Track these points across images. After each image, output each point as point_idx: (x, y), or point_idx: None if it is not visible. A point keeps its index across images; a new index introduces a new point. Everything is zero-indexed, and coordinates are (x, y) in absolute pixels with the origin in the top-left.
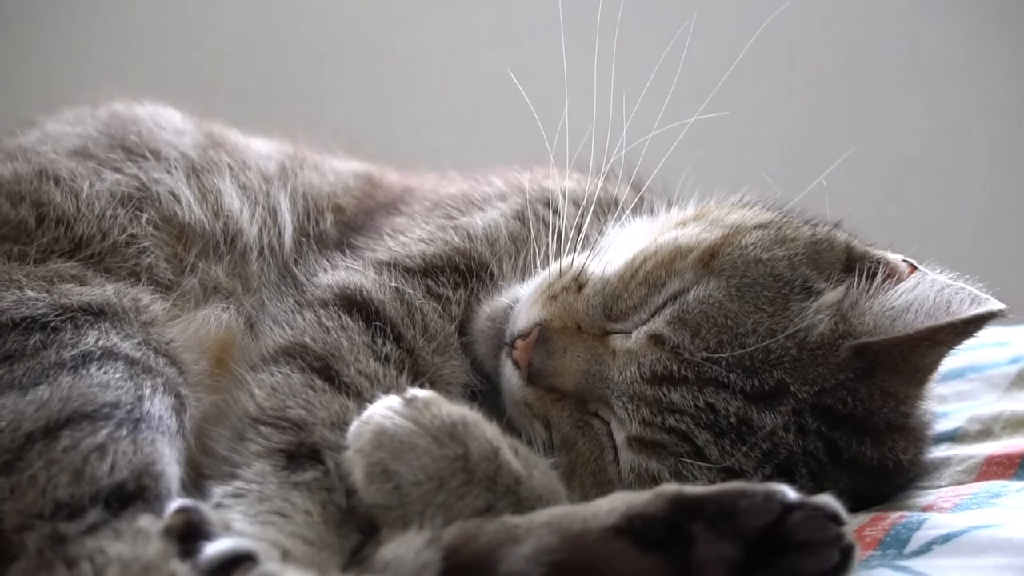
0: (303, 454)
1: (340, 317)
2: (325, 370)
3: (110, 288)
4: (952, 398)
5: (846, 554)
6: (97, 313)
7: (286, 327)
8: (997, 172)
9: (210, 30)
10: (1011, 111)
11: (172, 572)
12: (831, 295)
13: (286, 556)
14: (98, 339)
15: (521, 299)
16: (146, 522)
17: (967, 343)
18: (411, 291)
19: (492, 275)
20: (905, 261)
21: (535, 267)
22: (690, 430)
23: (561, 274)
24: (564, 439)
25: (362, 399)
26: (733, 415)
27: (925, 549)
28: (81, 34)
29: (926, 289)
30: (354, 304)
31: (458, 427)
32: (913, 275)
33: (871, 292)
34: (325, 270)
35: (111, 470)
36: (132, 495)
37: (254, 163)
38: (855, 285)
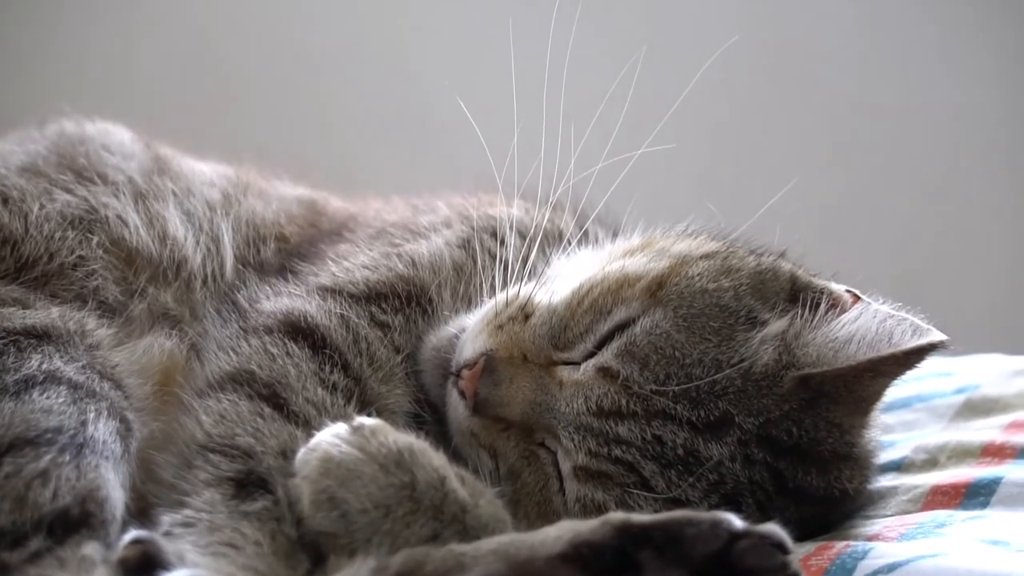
0: (252, 482)
1: (286, 344)
2: (273, 398)
3: (55, 311)
4: (898, 428)
5: None
6: (40, 336)
7: (231, 353)
8: (944, 203)
9: (160, 49)
10: (950, 142)
11: None
12: (775, 326)
13: None
14: (41, 363)
15: (467, 329)
16: (91, 549)
17: (912, 373)
18: (355, 318)
19: (436, 303)
20: (848, 291)
21: (481, 296)
22: (636, 461)
23: (508, 304)
24: (510, 469)
25: (310, 427)
26: (680, 446)
27: None
28: (33, 51)
29: (868, 320)
30: (299, 331)
31: (405, 455)
32: (856, 305)
33: (814, 323)
34: (268, 296)
35: (54, 496)
36: (77, 522)
37: (199, 190)
38: (799, 316)
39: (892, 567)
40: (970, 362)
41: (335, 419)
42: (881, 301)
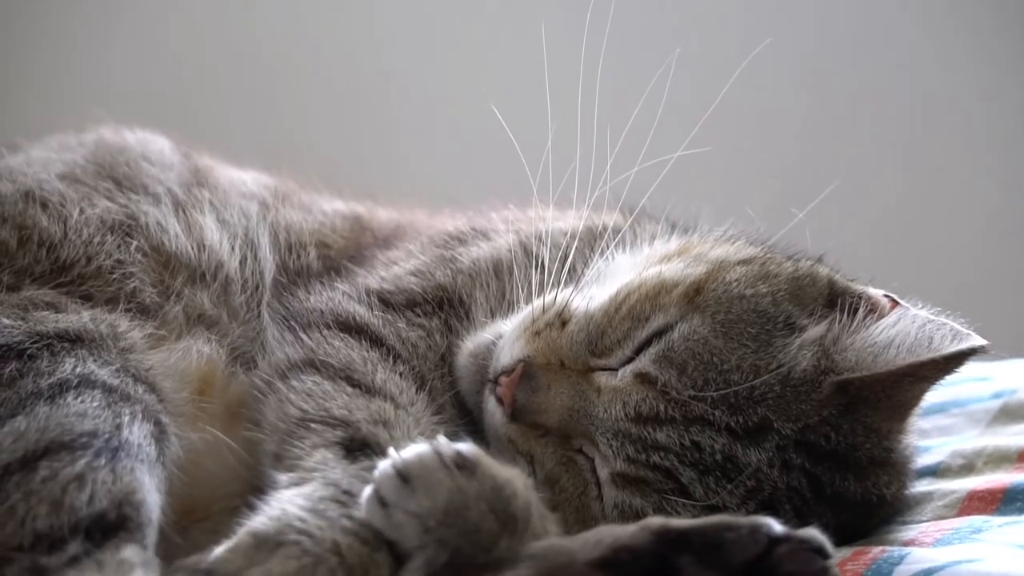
0: (357, 447)
1: (344, 337)
2: (349, 379)
3: (86, 315)
4: (934, 433)
5: None
6: (74, 340)
7: (295, 346)
8: (983, 208)
9: (197, 55)
10: (998, 147)
11: None
12: (813, 331)
13: None
14: (75, 366)
15: (504, 335)
16: (129, 553)
17: (950, 378)
18: (402, 323)
19: (474, 310)
20: (887, 296)
21: (519, 303)
22: (675, 467)
23: (545, 310)
24: (548, 475)
25: (396, 403)
26: (718, 452)
27: None
28: (68, 57)
29: (907, 325)
30: (351, 327)
31: (506, 491)
32: (895, 310)
33: (853, 328)
34: (318, 296)
35: (90, 500)
36: (114, 526)
37: (236, 201)
38: (837, 321)
39: (928, 572)
40: (1008, 367)
41: (412, 403)
42: (920, 306)
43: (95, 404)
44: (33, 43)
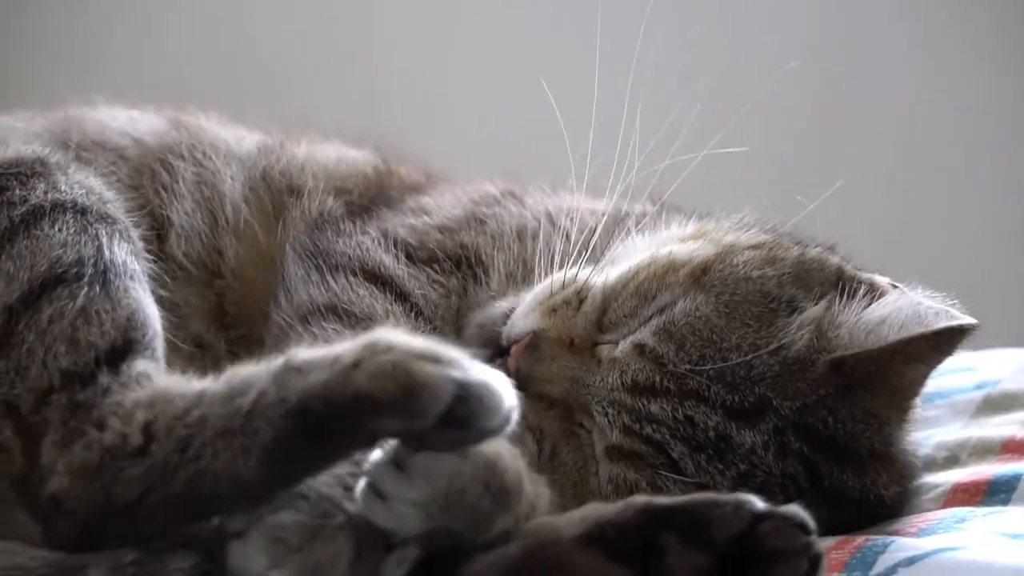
0: None
1: (370, 287)
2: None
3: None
4: (920, 424)
5: (814, 563)
6: (35, 164)
7: (320, 288)
8: (978, 202)
9: (197, 53)
10: (991, 141)
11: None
12: (812, 311)
13: None
14: (45, 191)
15: (518, 308)
16: (142, 366)
17: (937, 368)
18: (424, 279)
19: (491, 273)
20: (891, 284)
21: (539, 273)
22: (666, 441)
23: (564, 286)
24: (553, 449)
25: None
26: (712, 429)
27: (890, 571)
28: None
29: (902, 305)
30: (377, 277)
31: (498, 466)
32: (892, 292)
33: (851, 307)
34: (346, 240)
35: (101, 333)
36: (124, 350)
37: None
38: (836, 301)
39: (912, 560)
40: (992, 357)
41: None
42: (921, 291)
43: (72, 231)
44: (33, 39)
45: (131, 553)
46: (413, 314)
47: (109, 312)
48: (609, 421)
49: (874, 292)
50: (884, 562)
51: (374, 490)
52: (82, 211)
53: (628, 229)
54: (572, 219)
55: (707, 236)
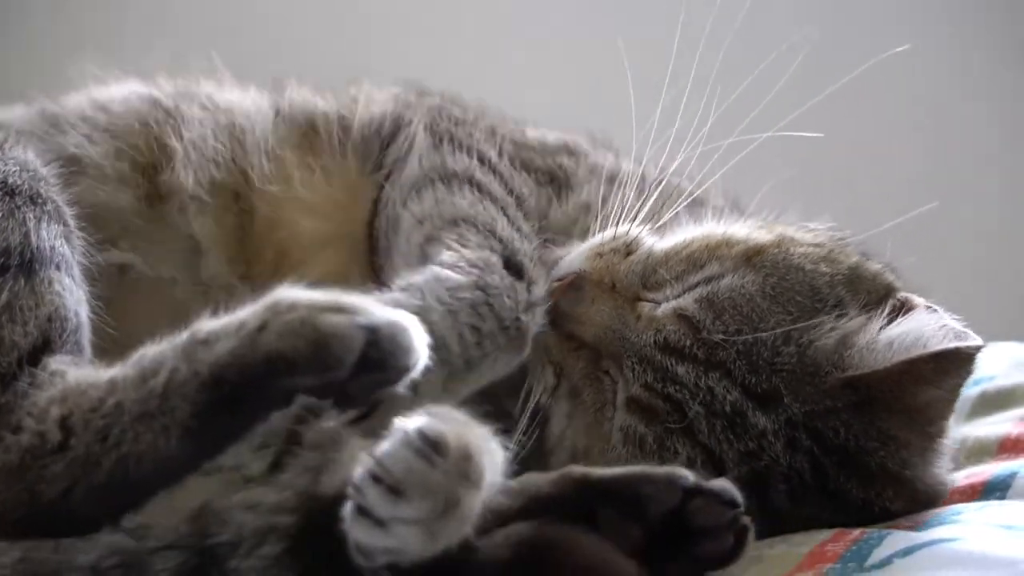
0: (512, 269)
1: (487, 174)
2: (504, 211)
3: None
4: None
5: (740, 537)
6: None
7: (461, 156)
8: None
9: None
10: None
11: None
12: (852, 323)
13: None
14: None
15: (571, 253)
16: (56, 363)
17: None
18: (519, 180)
19: (573, 199)
20: (928, 307)
21: (609, 219)
22: (685, 401)
23: (615, 237)
24: (572, 388)
25: (531, 259)
26: (729, 403)
27: (886, 562)
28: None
29: (913, 326)
30: (488, 166)
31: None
32: (909, 313)
33: (871, 326)
34: (459, 127)
35: (24, 332)
36: (42, 348)
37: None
38: (875, 318)
39: (908, 551)
40: (986, 351)
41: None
42: (946, 313)
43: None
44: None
45: (114, 556)
46: (522, 212)
47: (32, 310)
48: (635, 375)
49: (898, 311)
50: (880, 553)
51: (371, 518)
52: (11, 193)
53: (701, 212)
54: (645, 188)
55: (770, 227)
